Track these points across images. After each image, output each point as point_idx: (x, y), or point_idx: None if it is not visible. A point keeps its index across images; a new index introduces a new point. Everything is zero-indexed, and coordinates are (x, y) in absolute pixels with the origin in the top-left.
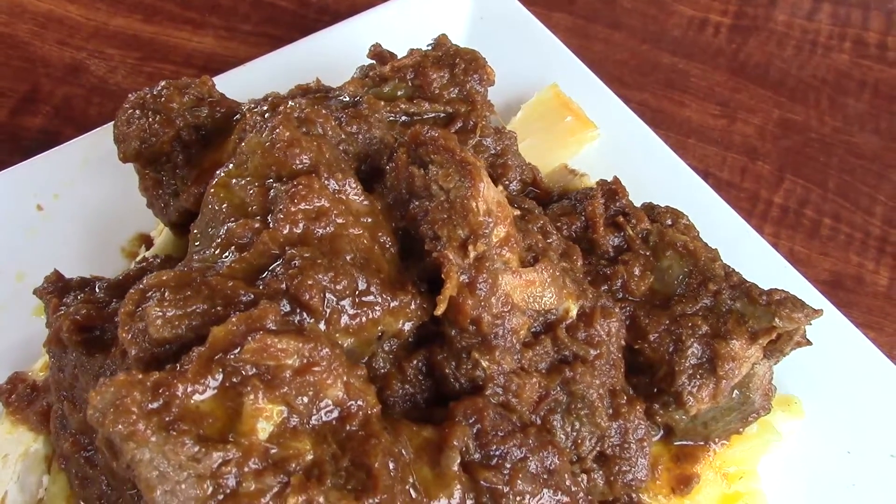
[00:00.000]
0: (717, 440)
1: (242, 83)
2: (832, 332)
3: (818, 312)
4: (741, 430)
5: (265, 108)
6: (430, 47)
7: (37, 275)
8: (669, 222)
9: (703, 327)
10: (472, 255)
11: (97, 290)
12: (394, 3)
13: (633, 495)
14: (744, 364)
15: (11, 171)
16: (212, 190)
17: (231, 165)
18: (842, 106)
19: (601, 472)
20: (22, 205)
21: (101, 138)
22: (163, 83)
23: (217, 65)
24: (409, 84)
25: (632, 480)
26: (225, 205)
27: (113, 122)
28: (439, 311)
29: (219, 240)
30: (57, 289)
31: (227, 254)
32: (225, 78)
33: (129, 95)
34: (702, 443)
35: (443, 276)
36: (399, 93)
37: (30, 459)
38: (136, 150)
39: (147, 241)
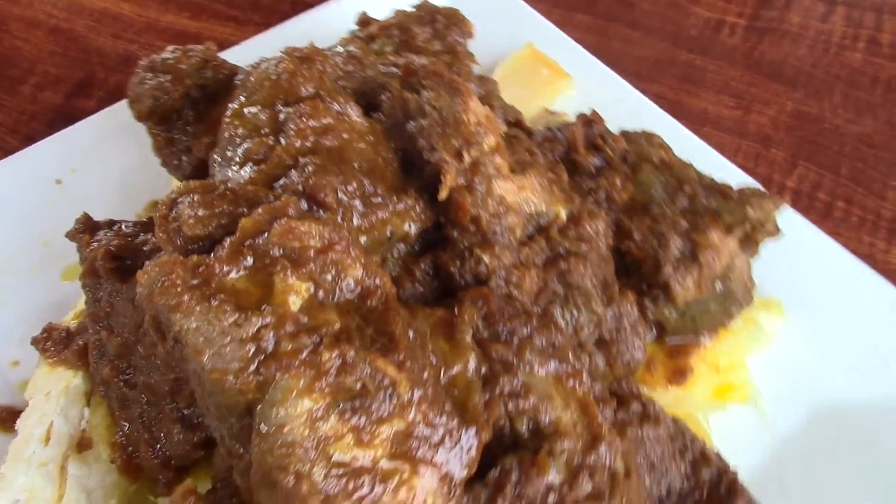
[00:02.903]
0: (706, 334)
1: (240, 60)
2: (807, 241)
3: (784, 200)
4: (727, 322)
5: None
6: (413, 9)
7: (62, 241)
8: (644, 143)
9: (682, 224)
10: (466, 160)
11: (124, 227)
12: None
13: (634, 387)
14: (722, 254)
15: (30, 151)
16: (227, 119)
17: (242, 97)
18: (855, 100)
19: (601, 356)
20: (42, 180)
21: (112, 116)
22: (170, 48)
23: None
24: (396, 41)
25: (629, 360)
26: (240, 129)
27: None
28: (443, 195)
29: (237, 158)
30: (88, 228)
31: (245, 168)
32: (225, 55)
33: (141, 61)
34: (692, 338)
35: (441, 176)
36: (387, 48)
37: (71, 394)
38: (149, 109)
39: None
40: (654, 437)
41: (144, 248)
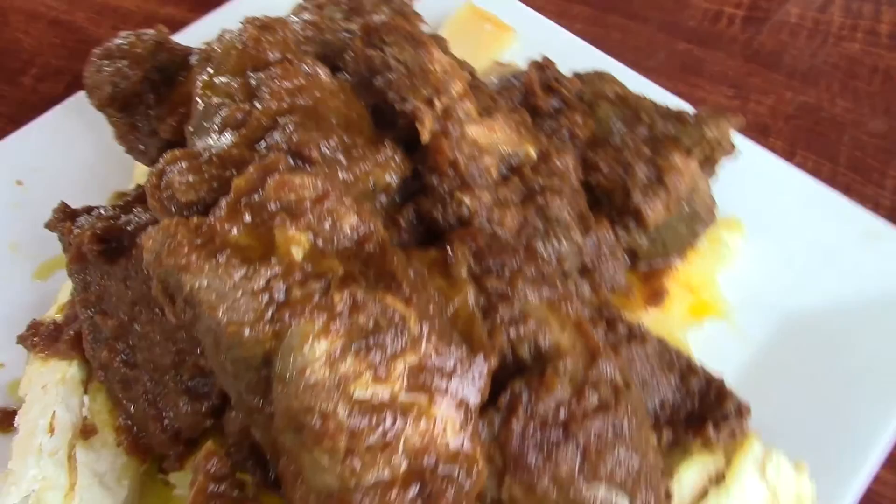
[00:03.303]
0: (676, 257)
1: (192, 41)
2: (755, 161)
3: (738, 116)
4: (694, 243)
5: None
6: None
7: (29, 242)
8: (598, 80)
9: (645, 152)
10: (438, 107)
11: (103, 211)
12: None
13: (618, 311)
14: (686, 175)
15: None
16: (198, 91)
17: (210, 69)
18: (853, 89)
19: (586, 284)
20: (3, 183)
21: (66, 111)
22: (123, 33)
23: None
24: (344, 7)
25: (613, 284)
26: (214, 98)
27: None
28: (426, 138)
29: (215, 127)
30: (67, 216)
31: (225, 135)
32: (177, 37)
33: (95, 50)
34: (664, 262)
35: (417, 123)
36: (337, 16)
37: (68, 384)
38: (110, 95)
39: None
40: (643, 354)
41: (128, 228)
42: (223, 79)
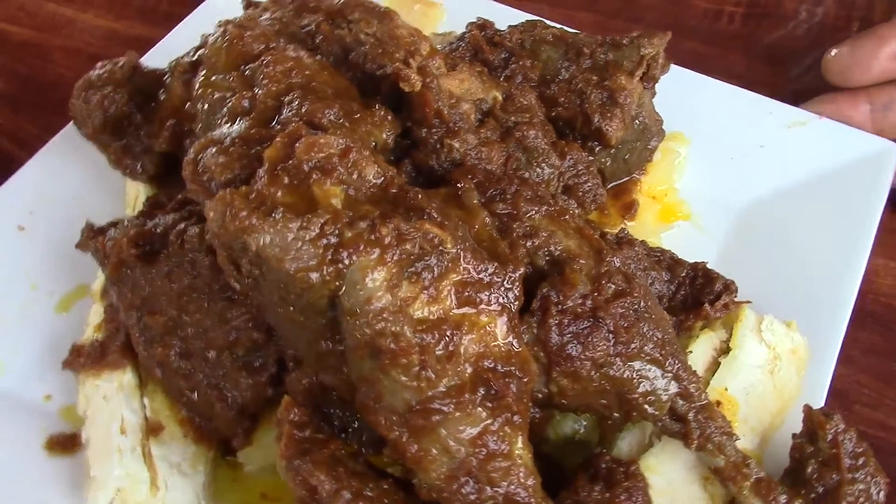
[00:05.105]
0: (637, 172)
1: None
2: (692, 83)
3: (666, 33)
4: (650, 157)
5: (190, 54)
6: None
7: (45, 281)
8: (532, 28)
9: (594, 79)
10: (414, 65)
11: (127, 222)
12: None
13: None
14: (633, 93)
15: None
16: (199, 91)
17: (204, 71)
18: None
19: (572, 201)
20: (5, 230)
21: (49, 155)
22: (99, 63)
23: None
24: (289, 8)
25: (595, 198)
26: (216, 94)
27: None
28: (417, 87)
29: (224, 118)
30: (95, 233)
31: (236, 124)
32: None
33: (76, 84)
34: (627, 178)
35: (401, 82)
36: (289, 15)
37: (126, 390)
38: (101, 122)
39: None
40: (634, 255)
41: (158, 231)
42: (219, 76)
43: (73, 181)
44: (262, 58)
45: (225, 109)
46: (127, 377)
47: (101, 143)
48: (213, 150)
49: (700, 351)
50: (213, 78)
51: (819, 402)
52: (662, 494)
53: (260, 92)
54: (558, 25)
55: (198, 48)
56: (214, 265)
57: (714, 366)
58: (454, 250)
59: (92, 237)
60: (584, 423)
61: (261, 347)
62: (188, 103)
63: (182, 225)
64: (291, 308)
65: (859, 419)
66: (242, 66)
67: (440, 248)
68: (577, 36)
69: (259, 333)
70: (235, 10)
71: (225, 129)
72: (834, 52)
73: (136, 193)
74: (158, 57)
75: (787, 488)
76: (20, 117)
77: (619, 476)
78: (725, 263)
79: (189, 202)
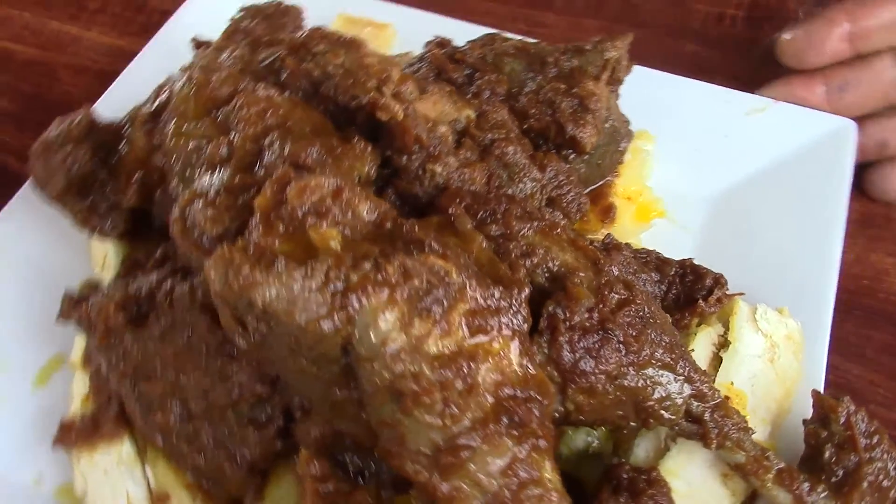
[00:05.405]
0: (611, 175)
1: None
2: (651, 82)
3: (628, 35)
4: (622, 158)
5: (149, 102)
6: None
7: (16, 359)
8: (492, 42)
9: (561, 87)
10: (388, 93)
11: (107, 286)
12: None
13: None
14: (601, 98)
15: None
16: (171, 143)
17: (174, 119)
18: None
19: (557, 213)
20: None
21: (6, 220)
22: (55, 123)
23: None
24: (244, 45)
25: (579, 207)
26: (190, 144)
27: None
28: (399, 115)
29: (203, 168)
30: (76, 301)
31: (217, 173)
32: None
33: (33, 148)
34: (601, 182)
35: (379, 111)
36: (245, 52)
37: (126, 461)
38: (66, 183)
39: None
40: (623, 259)
41: (143, 293)
42: (191, 124)
43: (33, 248)
44: (234, 101)
45: (202, 159)
46: (125, 448)
47: (66, 205)
48: (199, 203)
49: (700, 348)
50: (185, 127)
51: (819, 384)
52: (685, 497)
53: (236, 136)
54: (518, 37)
55: (156, 95)
56: (210, 323)
57: (716, 361)
58: (460, 280)
59: (73, 307)
60: (597, 434)
61: (265, 400)
62: (154, 154)
63: (168, 283)
64: (303, 360)
65: (874, 419)
66: (214, 112)
67: (446, 279)
68: (538, 45)
69: (262, 386)
70: (184, 49)
71: (206, 179)
72: (787, 35)
73: (103, 253)
74: (114, 101)
75: (808, 475)
76: (25, 135)
77: (641, 485)
78: (705, 256)
79: (168, 258)
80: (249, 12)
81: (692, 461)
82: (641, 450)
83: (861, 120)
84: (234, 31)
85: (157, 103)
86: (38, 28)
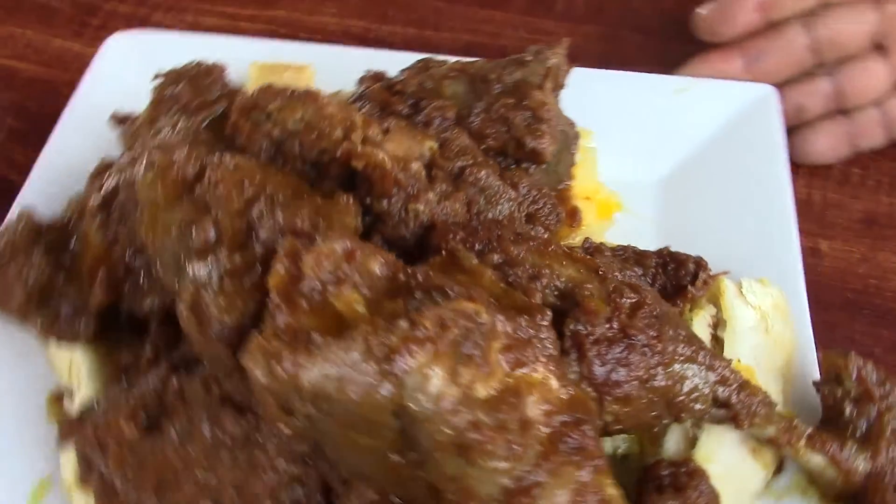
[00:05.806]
0: (566, 179)
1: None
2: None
3: (568, 39)
4: (574, 161)
5: (96, 194)
6: (159, 81)
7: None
8: (426, 67)
9: (510, 102)
10: (357, 140)
11: (100, 403)
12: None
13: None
14: (550, 106)
15: None
16: (147, 239)
17: (145, 209)
18: None
19: (539, 227)
20: None
21: None
22: None
23: None
24: (174, 110)
25: (557, 216)
26: (171, 233)
27: None
28: (383, 162)
29: (192, 258)
30: (75, 424)
31: (209, 258)
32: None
33: None
34: (561, 187)
35: (355, 160)
36: (184, 118)
37: None
38: (26, 296)
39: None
40: (606, 261)
41: (150, 398)
42: (166, 212)
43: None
44: (206, 177)
45: (189, 248)
46: None
47: (28, 317)
48: (208, 295)
49: (699, 332)
50: (161, 216)
51: (810, 344)
52: (723, 479)
53: (220, 214)
54: (453, 58)
55: (97, 184)
56: (234, 414)
57: (715, 342)
58: (489, 319)
59: (74, 429)
60: (622, 437)
61: (302, 480)
62: (113, 248)
63: (174, 381)
64: (355, 433)
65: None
66: (186, 194)
67: (478, 320)
68: (475, 64)
69: (295, 466)
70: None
71: (202, 267)
72: (702, 10)
73: (68, 359)
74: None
75: (833, 435)
76: (29, 152)
77: (683, 479)
78: (669, 241)
79: (160, 350)
80: (171, 77)
81: (723, 444)
82: (671, 444)
83: (780, 87)
84: (159, 101)
85: (102, 193)
86: (41, 46)
